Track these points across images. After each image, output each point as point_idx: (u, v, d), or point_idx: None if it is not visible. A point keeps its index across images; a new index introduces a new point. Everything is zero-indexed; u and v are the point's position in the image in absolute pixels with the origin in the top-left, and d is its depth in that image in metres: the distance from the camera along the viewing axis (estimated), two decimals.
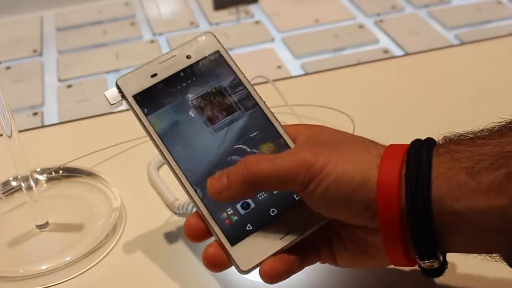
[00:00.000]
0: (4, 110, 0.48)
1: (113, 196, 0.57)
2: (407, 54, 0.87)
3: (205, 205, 0.42)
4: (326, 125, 0.65)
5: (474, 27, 0.95)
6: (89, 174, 0.60)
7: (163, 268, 0.51)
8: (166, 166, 0.61)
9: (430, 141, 0.39)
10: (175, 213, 0.56)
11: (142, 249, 0.52)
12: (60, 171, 0.60)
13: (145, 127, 0.43)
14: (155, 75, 0.44)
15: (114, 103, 0.44)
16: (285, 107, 0.64)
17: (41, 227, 0.54)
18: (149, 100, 0.44)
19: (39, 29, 1.04)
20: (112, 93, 0.44)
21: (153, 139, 0.43)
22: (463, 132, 0.40)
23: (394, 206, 0.37)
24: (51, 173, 0.60)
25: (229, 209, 0.42)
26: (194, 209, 0.54)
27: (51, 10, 1.09)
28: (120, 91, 0.44)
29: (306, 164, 0.38)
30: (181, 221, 0.55)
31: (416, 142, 0.39)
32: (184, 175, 0.42)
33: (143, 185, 0.59)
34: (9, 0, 1.07)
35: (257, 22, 1.01)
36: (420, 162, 0.37)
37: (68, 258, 0.51)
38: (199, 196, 0.42)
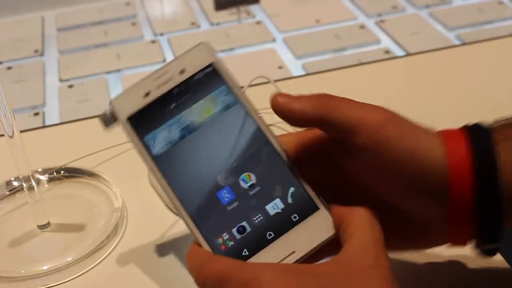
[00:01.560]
0: (6, 110, 0.48)
1: (115, 197, 0.57)
2: (408, 54, 0.87)
3: (200, 231, 0.40)
4: None
5: (475, 28, 0.95)
6: (90, 174, 0.60)
7: (164, 268, 0.51)
8: None
9: (484, 127, 0.41)
10: (176, 214, 0.56)
11: (143, 250, 0.52)
12: (62, 172, 0.60)
13: (139, 151, 0.42)
14: (148, 94, 0.43)
15: (108, 126, 0.43)
16: None
17: (42, 227, 0.54)
18: (143, 121, 0.42)
19: (40, 29, 1.04)
20: (106, 116, 0.43)
21: (147, 163, 0.42)
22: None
23: (466, 189, 0.38)
24: (52, 173, 0.60)
25: (225, 234, 0.40)
26: None
27: (52, 10, 1.09)
28: (114, 114, 0.42)
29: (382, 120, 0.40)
30: (182, 221, 0.55)
31: (472, 128, 0.41)
32: (179, 200, 0.41)
33: (144, 185, 0.59)
34: (10, 0, 1.07)
35: (258, 23, 1.01)
36: (485, 149, 0.39)
37: (69, 259, 0.51)
38: (194, 222, 0.41)
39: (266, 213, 0.41)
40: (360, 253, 0.37)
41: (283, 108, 0.42)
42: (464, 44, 0.87)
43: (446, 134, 0.40)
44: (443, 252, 0.51)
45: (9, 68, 0.93)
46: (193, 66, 0.43)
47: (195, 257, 0.39)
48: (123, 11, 1.08)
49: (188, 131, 0.42)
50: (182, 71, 0.43)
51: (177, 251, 0.52)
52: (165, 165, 0.42)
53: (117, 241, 0.54)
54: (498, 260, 0.50)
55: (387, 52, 0.90)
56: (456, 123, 0.65)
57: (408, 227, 0.42)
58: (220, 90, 0.43)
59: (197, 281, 0.38)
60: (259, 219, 0.41)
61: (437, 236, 0.42)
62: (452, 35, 0.93)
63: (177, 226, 0.55)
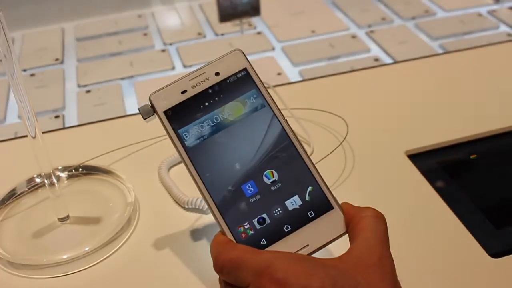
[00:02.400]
0: (29, 113, 0.48)
1: (128, 192, 0.57)
2: (396, 62, 0.87)
3: (223, 219, 0.41)
4: (322, 126, 0.65)
5: (457, 37, 0.95)
6: (106, 171, 0.60)
7: (173, 257, 0.51)
8: (176, 167, 0.61)
9: None
10: (184, 208, 0.56)
11: (154, 240, 0.52)
12: (80, 169, 0.60)
13: (174, 142, 0.42)
14: (185, 91, 0.43)
15: (146, 117, 0.43)
16: (284, 110, 0.64)
17: (62, 220, 0.55)
18: (178, 115, 0.42)
19: (61, 39, 1.04)
20: (145, 108, 0.43)
21: (180, 154, 0.42)
22: None
23: None
24: (71, 170, 0.60)
25: (246, 224, 0.41)
26: (203, 204, 0.54)
27: (71, 22, 1.09)
28: (152, 107, 0.43)
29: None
30: (189, 215, 0.55)
31: None
32: (207, 190, 0.41)
33: (155, 181, 0.59)
34: (33, 13, 1.07)
35: (259, 33, 1.01)
36: None
37: (87, 249, 0.51)
38: (219, 210, 0.41)
39: (285, 207, 0.41)
40: (366, 252, 0.37)
41: None
42: (447, 52, 0.87)
43: None
44: (440, 251, 0.51)
45: (32, 75, 0.93)
46: (227, 70, 0.44)
47: (216, 243, 0.40)
48: (135, 23, 1.08)
49: (219, 127, 0.42)
50: (217, 74, 0.43)
51: (185, 242, 0.52)
52: (196, 156, 0.42)
53: (130, 232, 0.54)
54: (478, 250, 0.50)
55: (376, 60, 0.90)
56: (438, 123, 0.66)
57: None
58: (251, 93, 0.43)
59: (215, 267, 0.39)
60: (278, 213, 0.41)
61: None
62: (436, 45, 0.93)
63: (184, 219, 0.55)
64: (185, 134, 0.42)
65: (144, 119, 0.43)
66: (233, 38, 1.00)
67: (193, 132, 0.42)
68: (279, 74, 0.88)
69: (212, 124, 0.42)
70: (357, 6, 1.07)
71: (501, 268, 0.48)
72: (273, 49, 0.96)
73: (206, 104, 0.43)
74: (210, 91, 0.43)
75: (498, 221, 0.55)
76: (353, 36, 0.97)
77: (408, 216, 0.54)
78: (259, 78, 0.44)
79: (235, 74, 0.44)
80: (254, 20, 1.04)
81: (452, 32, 0.96)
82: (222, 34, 1.02)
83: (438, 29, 0.97)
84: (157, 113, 0.43)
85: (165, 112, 0.42)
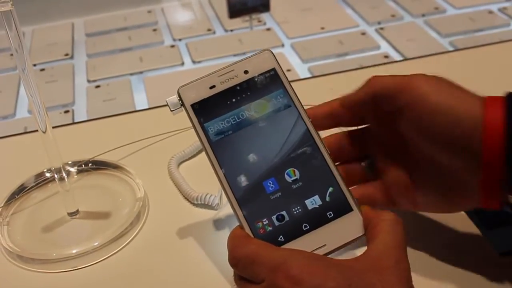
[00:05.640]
0: (40, 108, 0.48)
1: (137, 187, 0.57)
2: (405, 59, 0.87)
3: (242, 213, 0.41)
4: None
5: (467, 35, 0.95)
6: (115, 166, 0.60)
7: (182, 253, 0.51)
8: (186, 163, 0.61)
9: None
10: (193, 204, 0.56)
11: (163, 236, 0.52)
12: (89, 164, 0.61)
13: (199, 135, 0.42)
14: (213, 86, 0.43)
15: (174, 110, 0.44)
16: None
17: (72, 214, 0.55)
18: (205, 109, 0.43)
19: (70, 34, 1.04)
20: (173, 100, 0.43)
21: (204, 147, 0.42)
22: None
23: (499, 146, 0.38)
24: (81, 165, 0.60)
25: (264, 220, 0.41)
26: (212, 199, 0.54)
27: (81, 18, 1.09)
28: (180, 99, 0.43)
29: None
30: (199, 210, 0.55)
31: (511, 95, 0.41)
32: (228, 184, 0.41)
33: (164, 177, 0.59)
34: (43, 9, 1.07)
35: (269, 29, 1.01)
36: None
37: (96, 243, 0.51)
38: (239, 205, 0.41)
39: (304, 206, 0.41)
40: (383, 254, 0.37)
41: (344, 100, 0.47)
42: (456, 50, 0.87)
43: (487, 98, 0.41)
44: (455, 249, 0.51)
45: (42, 70, 0.93)
46: (256, 69, 0.44)
47: (233, 237, 0.40)
48: (145, 19, 1.08)
49: (244, 124, 0.43)
50: (245, 72, 0.44)
51: (193, 238, 0.52)
52: (219, 150, 0.42)
53: (139, 228, 0.54)
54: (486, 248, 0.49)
55: (386, 57, 0.90)
56: None
57: (446, 187, 0.42)
58: (278, 92, 0.44)
59: (230, 261, 0.39)
60: (297, 211, 0.41)
61: (472, 197, 0.42)
62: (445, 42, 0.93)
63: (193, 214, 0.55)
64: (210, 128, 0.42)
65: (172, 111, 0.44)
66: (243, 34, 1.00)
67: (218, 126, 0.43)
68: (288, 70, 0.87)
69: (237, 120, 0.43)
70: (366, 3, 1.07)
71: (510, 267, 0.48)
72: (283, 45, 0.96)
73: (233, 100, 0.43)
74: (238, 88, 0.43)
75: (507, 219, 0.54)
76: (363, 33, 0.97)
77: (415, 213, 0.53)
78: (287, 79, 0.44)
79: (264, 73, 0.44)
80: (264, 16, 1.04)
81: (462, 30, 0.95)
82: (232, 30, 1.02)
83: (448, 26, 0.96)
84: (184, 106, 0.43)
85: (192, 106, 0.43)
